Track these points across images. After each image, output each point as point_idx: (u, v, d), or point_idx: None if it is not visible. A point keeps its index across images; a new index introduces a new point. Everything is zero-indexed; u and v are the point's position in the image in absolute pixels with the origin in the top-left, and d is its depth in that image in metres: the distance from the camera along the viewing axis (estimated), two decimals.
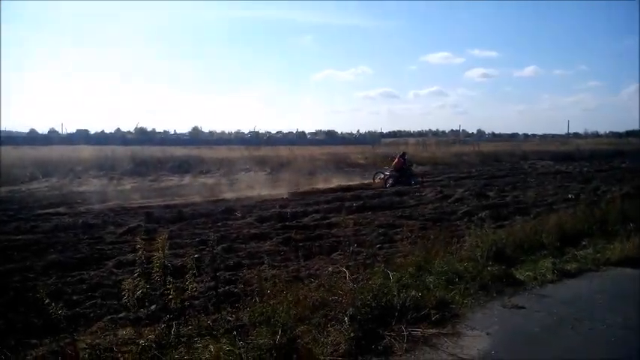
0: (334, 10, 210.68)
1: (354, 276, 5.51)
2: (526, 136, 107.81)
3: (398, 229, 11.04)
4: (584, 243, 7.98)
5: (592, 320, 4.72)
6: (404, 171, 21.16)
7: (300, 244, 9.69)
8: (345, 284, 5.12)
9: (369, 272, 5.83)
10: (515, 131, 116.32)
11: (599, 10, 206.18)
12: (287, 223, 11.69)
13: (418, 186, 20.10)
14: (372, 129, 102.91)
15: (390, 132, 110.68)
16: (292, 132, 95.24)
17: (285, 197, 16.99)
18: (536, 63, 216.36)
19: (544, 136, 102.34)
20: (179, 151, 36.03)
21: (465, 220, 12.31)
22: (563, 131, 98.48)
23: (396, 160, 21.49)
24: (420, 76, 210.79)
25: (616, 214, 9.37)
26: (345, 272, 5.51)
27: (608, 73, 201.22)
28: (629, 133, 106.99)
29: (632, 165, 32.76)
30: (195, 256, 6.11)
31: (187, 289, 4.88)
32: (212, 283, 6.27)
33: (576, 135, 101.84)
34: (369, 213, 13.53)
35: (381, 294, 4.87)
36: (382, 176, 21.28)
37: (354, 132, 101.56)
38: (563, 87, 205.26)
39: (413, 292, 5.00)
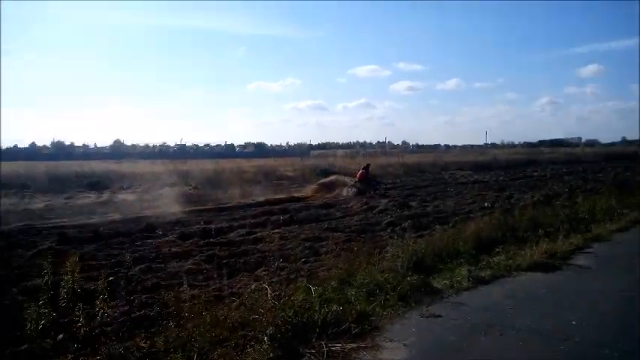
0: (265, 21, 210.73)
1: (277, 292, 5.45)
2: (447, 147, 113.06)
3: (324, 242, 11.10)
4: (498, 250, 8.31)
5: (503, 325, 4.92)
6: (368, 181, 22.19)
7: (224, 261, 9.47)
8: (266, 302, 5.04)
9: (291, 288, 5.79)
10: (438, 142, 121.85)
11: (515, 25, 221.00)
12: (211, 240, 11.42)
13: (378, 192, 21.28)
14: (301, 141, 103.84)
15: (319, 144, 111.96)
16: (221, 145, 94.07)
17: (210, 212, 16.60)
18: (459, 76, 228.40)
19: (464, 147, 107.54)
20: (99, 166, 34.36)
21: (389, 230, 12.58)
22: (482, 142, 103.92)
23: (360, 172, 22.60)
24: (349, 89, 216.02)
25: (527, 221, 9.93)
26: (266, 289, 5.42)
27: (524, 86, 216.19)
28: (542, 143, 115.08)
29: (543, 173, 35.11)
30: (110, 278, 5.78)
31: (98, 315, 4.62)
32: (126, 308, 5.98)
33: (494, 145, 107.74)
34: (296, 226, 13.52)
35: (302, 310, 4.84)
36: (353, 190, 21.72)
37: (284, 144, 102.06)
38: (483, 99, 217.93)
39: (334, 307, 5.00)
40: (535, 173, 35.66)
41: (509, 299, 5.83)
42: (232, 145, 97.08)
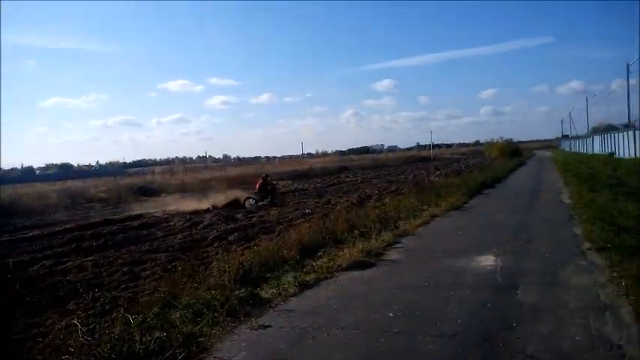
0: (57, 33, 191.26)
1: (90, 327, 4.89)
2: (267, 158, 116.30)
3: (145, 265, 10.43)
4: (320, 253, 8.67)
5: (329, 326, 5.09)
6: (267, 191, 22.18)
7: (27, 298, 8.28)
8: (77, 339, 4.47)
9: (107, 320, 5.24)
10: (257, 154, 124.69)
11: (318, 44, 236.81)
12: (8, 277, 9.87)
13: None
14: (115, 159, 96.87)
15: (134, 161, 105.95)
16: (17, 168, 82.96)
17: (5, 245, 14.41)
18: (271, 91, 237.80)
19: (283, 158, 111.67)
20: None
21: (216, 245, 12.36)
22: (299, 152, 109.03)
23: (259, 182, 22.63)
24: (161, 104, 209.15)
25: (344, 224, 10.54)
26: (77, 326, 4.81)
27: (330, 100, 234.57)
28: (351, 151, 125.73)
29: (355, 178, 38.04)
30: None
31: None
32: None
33: (310, 155, 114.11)
34: (112, 251, 12.47)
35: (120, 343, 4.40)
36: (251, 201, 21.98)
37: (94, 164, 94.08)
38: (294, 112, 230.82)
39: (157, 334, 4.65)
40: (348, 179, 38.53)
41: (334, 300, 6.08)
42: (31, 167, 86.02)
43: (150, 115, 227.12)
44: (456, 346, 4.41)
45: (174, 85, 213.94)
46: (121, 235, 15.07)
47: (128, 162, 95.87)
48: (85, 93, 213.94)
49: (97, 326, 4.95)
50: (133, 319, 5.00)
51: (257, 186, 22.63)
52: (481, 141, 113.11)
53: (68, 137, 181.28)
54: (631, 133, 33.72)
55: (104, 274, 9.97)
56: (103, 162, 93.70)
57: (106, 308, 6.33)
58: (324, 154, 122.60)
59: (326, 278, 7.14)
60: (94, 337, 4.58)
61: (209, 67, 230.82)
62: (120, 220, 19.00)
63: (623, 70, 43.62)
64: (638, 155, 30.68)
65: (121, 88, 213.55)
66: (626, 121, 42.39)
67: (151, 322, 5.19)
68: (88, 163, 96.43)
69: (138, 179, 43.65)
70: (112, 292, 7.94)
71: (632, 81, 44.04)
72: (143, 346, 4.38)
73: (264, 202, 21.65)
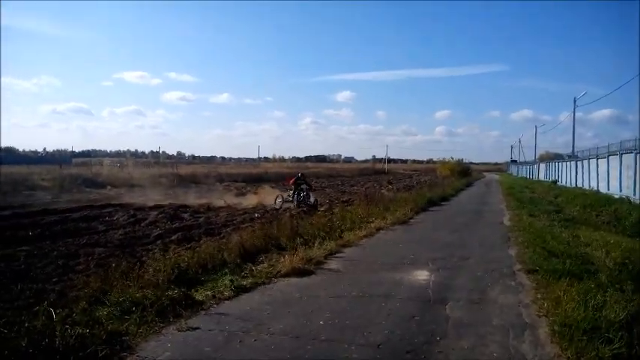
0: (14, 12, 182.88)
1: (10, 319, 4.73)
2: (223, 159, 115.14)
3: (81, 259, 10.12)
4: (261, 258, 8.70)
5: (258, 331, 5.11)
6: (300, 190, 20.68)
7: None
8: None
9: (30, 313, 5.09)
10: (213, 154, 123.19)
11: (284, 49, 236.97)
12: None
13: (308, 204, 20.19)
14: (63, 147, 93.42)
15: (83, 151, 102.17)
16: None
17: None
18: (230, 91, 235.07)
19: (239, 160, 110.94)
20: None
21: (158, 243, 12.11)
22: (255, 155, 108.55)
23: (293, 179, 21.38)
24: (116, 94, 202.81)
25: (288, 230, 10.58)
26: None
27: (290, 106, 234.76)
28: (308, 158, 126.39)
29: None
30: None
31: None
32: None
33: (266, 159, 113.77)
34: (49, 242, 12.04)
35: (40, 338, 4.27)
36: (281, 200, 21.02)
37: (40, 150, 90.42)
38: (253, 115, 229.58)
39: (80, 330, 4.54)
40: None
41: (268, 305, 6.10)
42: None
43: (103, 105, 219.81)
44: (378, 356, 4.52)
45: (131, 75, 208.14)
46: (60, 226, 14.58)
47: (77, 151, 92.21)
48: (36, 75, 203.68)
49: (18, 319, 4.79)
50: (56, 314, 4.86)
51: (290, 182, 21.53)
52: (435, 159, 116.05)
53: (14, 120, 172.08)
54: (573, 163, 35.45)
55: (38, 265, 9.61)
56: (50, 149, 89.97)
57: (31, 301, 6.11)
58: (281, 160, 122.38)
59: (263, 283, 7.16)
60: (14, 329, 4.44)
61: (168, 61, 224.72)
62: (60, 211, 18.34)
63: (571, 103, 45.77)
64: (578, 185, 32.26)
65: (74, 74, 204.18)
66: (571, 151, 44.37)
67: (76, 317, 5.07)
68: (34, 149, 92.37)
69: (84, 169, 42.28)
70: (41, 284, 7.67)
71: (579, 114, 46.29)
72: (64, 342, 4.27)
73: (294, 205, 20.02)
